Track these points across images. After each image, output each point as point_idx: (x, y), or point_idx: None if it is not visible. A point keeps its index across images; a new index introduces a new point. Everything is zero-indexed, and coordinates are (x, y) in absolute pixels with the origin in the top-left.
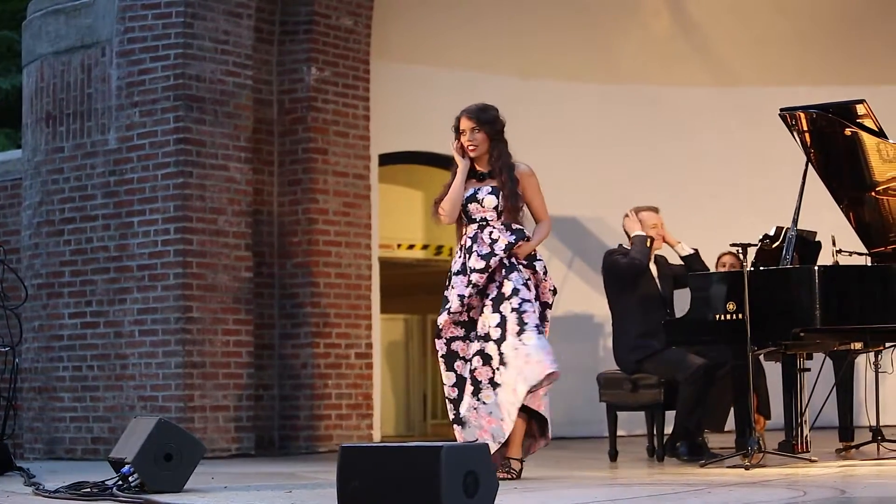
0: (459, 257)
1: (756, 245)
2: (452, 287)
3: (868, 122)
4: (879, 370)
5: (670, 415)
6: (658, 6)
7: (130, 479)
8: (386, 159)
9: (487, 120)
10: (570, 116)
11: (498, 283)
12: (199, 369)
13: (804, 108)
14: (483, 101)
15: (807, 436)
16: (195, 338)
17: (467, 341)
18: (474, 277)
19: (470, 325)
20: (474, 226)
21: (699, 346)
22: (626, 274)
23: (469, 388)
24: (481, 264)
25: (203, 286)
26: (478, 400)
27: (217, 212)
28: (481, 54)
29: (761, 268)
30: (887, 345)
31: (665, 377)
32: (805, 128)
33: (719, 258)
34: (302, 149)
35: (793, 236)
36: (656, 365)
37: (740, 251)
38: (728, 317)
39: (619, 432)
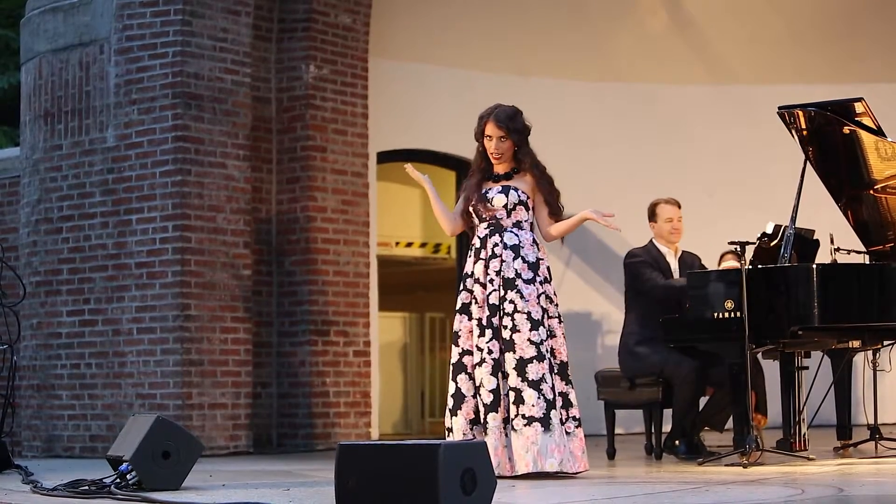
0: (470, 257)
1: (754, 243)
2: (470, 292)
3: (866, 121)
4: (877, 368)
5: (668, 413)
6: (654, 4)
7: (128, 476)
8: (384, 157)
9: (517, 129)
10: (567, 114)
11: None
12: (198, 367)
13: (802, 106)
14: (483, 98)
15: (805, 434)
16: (193, 336)
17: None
18: (477, 292)
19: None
20: (483, 226)
21: (698, 345)
22: (657, 295)
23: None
24: (487, 276)
25: (201, 284)
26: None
27: (215, 209)
28: (479, 52)
29: (759, 266)
30: (885, 343)
31: (661, 377)
32: (803, 126)
33: (722, 257)
34: (300, 146)
35: (791, 234)
36: (652, 366)
37: (738, 249)
38: (726, 315)
39: (617, 430)
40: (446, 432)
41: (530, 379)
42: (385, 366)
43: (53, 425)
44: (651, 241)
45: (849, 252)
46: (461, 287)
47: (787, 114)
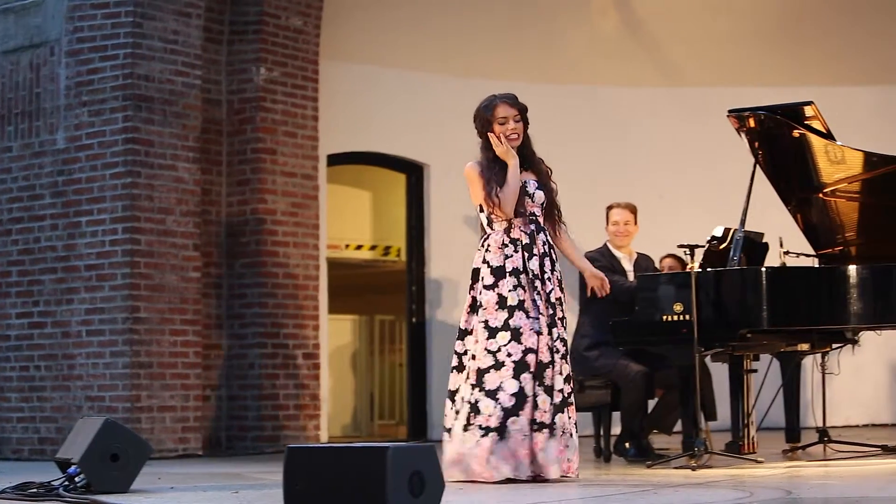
0: (515, 252)
1: (703, 246)
2: (524, 288)
3: (816, 124)
4: (826, 371)
5: (617, 415)
6: (606, 5)
7: (77, 479)
8: (334, 160)
9: (525, 109)
10: None
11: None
12: (147, 369)
13: (752, 110)
14: (435, 100)
15: (753, 437)
16: (142, 338)
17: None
18: (540, 288)
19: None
20: (522, 221)
21: (647, 347)
22: (624, 298)
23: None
24: (545, 273)
25: (151, 286)
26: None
27: (165, 212)
28: (430, 54)
29: (709, 269)
30: (834, 346)
31: (610, 380)
32: (753, 129)
33: (661, 260)
34: (250, 149)
35: (740, 237)
36: (600, 369)
37: (687, 252)
38: (675, 318)
39: None
40: (486, 433)
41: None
42: (334, 368)
43: (2, 427)
44: (606, 244)
45: (798, 255)
46: (505, 283)
47: (737, 117)
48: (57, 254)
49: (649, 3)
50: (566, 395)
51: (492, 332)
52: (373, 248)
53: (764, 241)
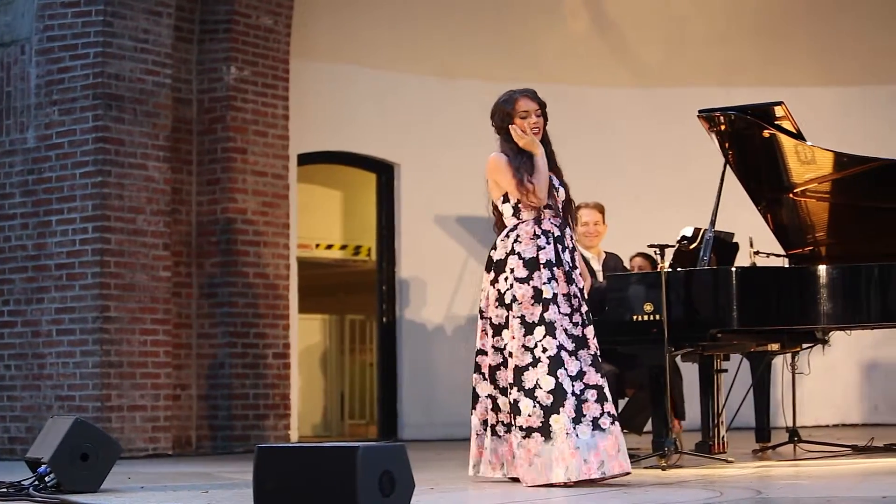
0: (548, 244)
1: (674, 246)
2: (556, 282)
3: (786, 124)
4: (796, 371)
5: None
6: (577, 6)
7: (47, 479)
8: (305, 159)
9: (545, 105)
10: (489, 116)
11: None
12: (117, 369)
13: (723, 110)
14: (406, 100)
15: (724, 437)
16: (113, 337)
17: (572, 357)
18: (577, 280)
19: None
20: (552, 213)
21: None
22: (593, 297)
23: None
24: (575, 268)
25: (121, 285)
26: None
27: (135, 211)
28: (402, 54)
29: (679, 269)
30: (804, 346)
31: None
32: (723, 129)
33: (630, 259)
34: (221, 148)
35: (710, 237)
36: None
37: (657, 252)
38: (645, 317)
39: None
40: (528, 434)
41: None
42: (305, 368)
43: None
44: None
45: (768, 255)
46: (544, 276)
47: (707, 117)
48: (27, 253)
49: (620, 4)
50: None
51: (529, 328)
52: (343, 247)
53: (734, 241)
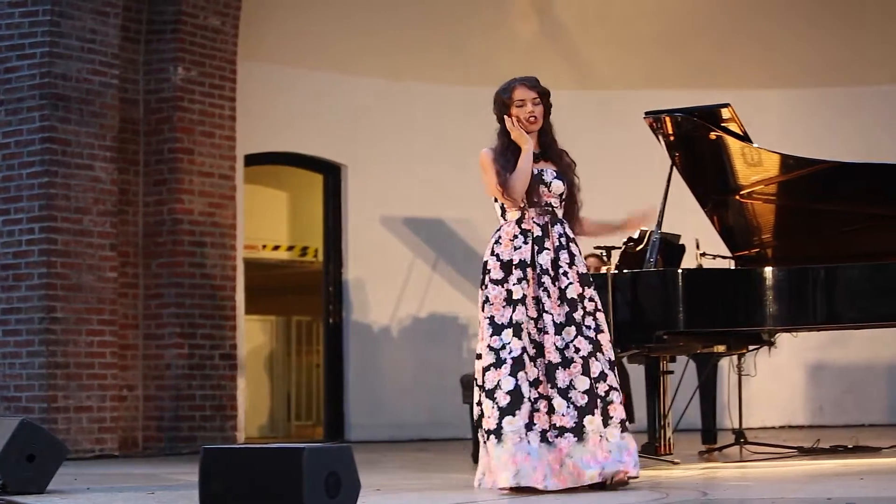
0: (525, 244)
1: (620, 248)
2: (527, 283)
3: (733, 126)
4: (742, 373)
5: None
6: (526, 10)
7: None
8: (252, 160)
9: (546, 93)
10: (437, 119)
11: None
12: (63, 370)
13: (669, 112)
14: (353, 102)
15: (670, 438)
16: (59, 338)
17: (532, 363)
18: (548, 284)
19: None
20: (536, 211)
21: None
22: None
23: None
24: (560, 268)
25: (67, 286)
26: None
27: (82, 211)
28: (349, 56)
29: (625, 270)
30: (750, 348)
31: None
32: (670, 131)
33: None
34: (167, 149)
35: (657, 239)
36: None
37: (604, 253)
38: None
39: None
40: (488, 437)
41: (617, 385)
42: (252, 369)
43: None
44: None
45: (714, 257)
46: (512, 277)
47: (653, 119)
48: None
49: (569, 7)
50: (600, 394)
51: (496, 329)
52: (290, 248)
53: (680, 242)
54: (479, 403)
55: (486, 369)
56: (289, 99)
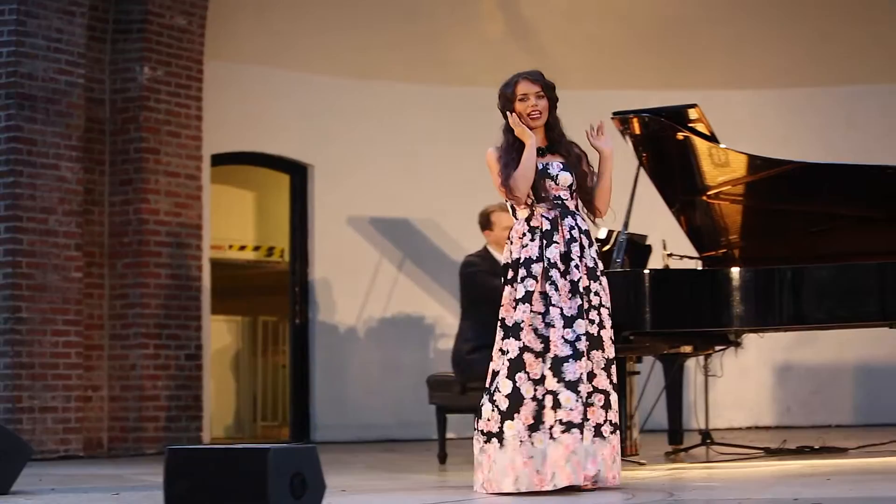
0: (532, 241)
1: None
2: (533, 279)
3: (700, 127)
4: (709, 374)
5: None
6: (493, 9)
7: None
8: (218, 160)
9: (551, 86)
10: (404, 118)
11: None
12: (28, 370)
13: (636, 112)
14: (319, 101)
15: (636, 439)
16: (24, 338)
17: (539, 359)
18: (556, 278)
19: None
20: (545, 206)
21: None
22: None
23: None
24: (571, 261)
25: (33, 286)
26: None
27: (48, 211)
28: (316, 55)
29: None
30: (717, 348)
31: None
32: (637, 132)
33: None
34: (134, 148)
35: (623, 240)
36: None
37: None
38: None
39: (449, 435)
40: (488, 440)
41: (614, 382)
42: (217, 369)
43: None
44: (486, 247)
45: (681, 258)
46: (520, 274)
47: (620, 119)
48: None
49: (536, 7)
50: (605, 388)
51: (506, 332)
52: (256, 248)
53: (647, 243)
54: (482, 405)
55: (495, 372)
56: (255, 99)
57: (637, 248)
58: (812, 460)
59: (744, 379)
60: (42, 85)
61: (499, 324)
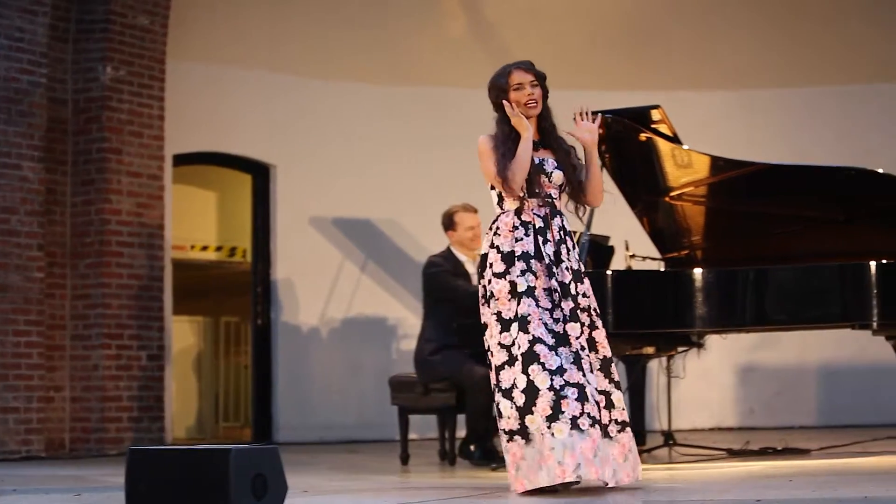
0: (526, 236)
1: None
2: (533, 275)
3: (663, 128)
4: (671, 375)
5: (463, 418)
6: (455, 8)
7: None
8: (180, 160)
9: (543, 76)
10: (367, 119)
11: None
12: None
13: (599, 113)
14: (282, 102)
15: None
16: None
17: (552, 352)
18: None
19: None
20: (537, 202)
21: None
22: (466, 303)
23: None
24: (562, 262)
25: None
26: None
27: (9, 211)
28: (278, 56)
29: None
30: (679, 350)
31: (455, 383)
32: (600, 132)
33: None
34: (96, 148)
35: (586, 241)
36: (446, 372)
37: None
38: None
39: (411, 435)
40: (511, 437)
41: (616, 381)
42: (179, 370)
43: None
44: (449, 248)
45: (644, 258)
46: (515, 269)
47: None
48: None
49: (498, 7)
50: (605, 388)
51: (505, 325)
52: (218, 249)
53: (610, 244)
54: (498, 403)
55: (499, 368)
56: (218, 99)
57: (599, 248)
58: (775, 461)
59: (707, 380)
60: (4, 84)
61: (494, 317)
